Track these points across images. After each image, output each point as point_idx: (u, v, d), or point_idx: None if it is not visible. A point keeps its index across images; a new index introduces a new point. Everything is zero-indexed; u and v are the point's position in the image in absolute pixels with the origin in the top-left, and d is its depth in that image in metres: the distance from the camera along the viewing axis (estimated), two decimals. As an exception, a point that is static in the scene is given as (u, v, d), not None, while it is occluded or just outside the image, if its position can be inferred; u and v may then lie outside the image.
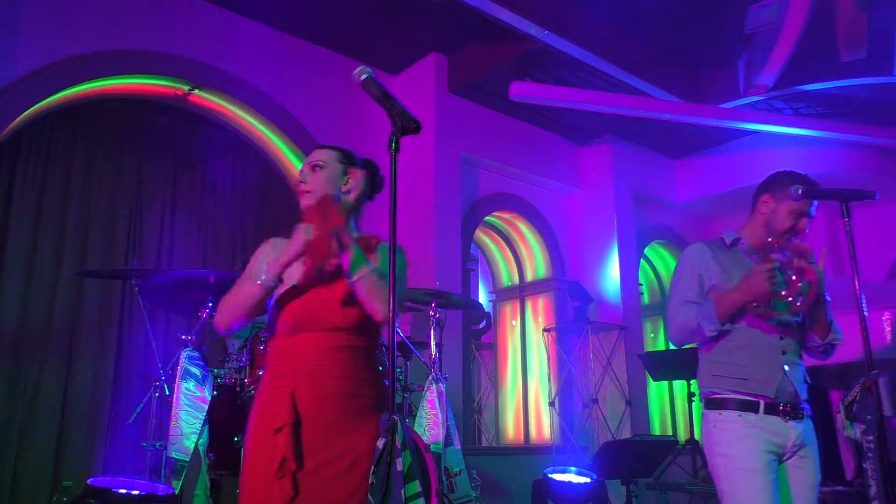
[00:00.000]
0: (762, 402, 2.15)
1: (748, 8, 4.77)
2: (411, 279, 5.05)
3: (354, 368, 1.80)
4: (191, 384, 2.99)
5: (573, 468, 4.44)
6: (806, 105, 6.05)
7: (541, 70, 5.59)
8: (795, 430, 2.15)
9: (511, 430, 6.59)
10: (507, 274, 7.03)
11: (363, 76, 1.75)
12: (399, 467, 1.44)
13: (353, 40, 5.40)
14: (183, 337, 3.18)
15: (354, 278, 1.76)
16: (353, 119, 5.41)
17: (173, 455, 2.90)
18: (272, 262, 1.80)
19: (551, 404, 6.19)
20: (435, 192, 5.44)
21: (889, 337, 4.66)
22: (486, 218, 6.39)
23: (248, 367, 3.15)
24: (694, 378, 2.41)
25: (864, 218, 6.41)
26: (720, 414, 2.20)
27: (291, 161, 5.35)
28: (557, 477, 4.37)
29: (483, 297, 7.29)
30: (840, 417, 2.12)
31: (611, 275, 6.59)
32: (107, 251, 5.01)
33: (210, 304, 3.18)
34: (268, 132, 5.26)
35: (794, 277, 2.14)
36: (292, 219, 1.93)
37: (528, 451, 6.16)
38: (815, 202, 2.30)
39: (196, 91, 4.92)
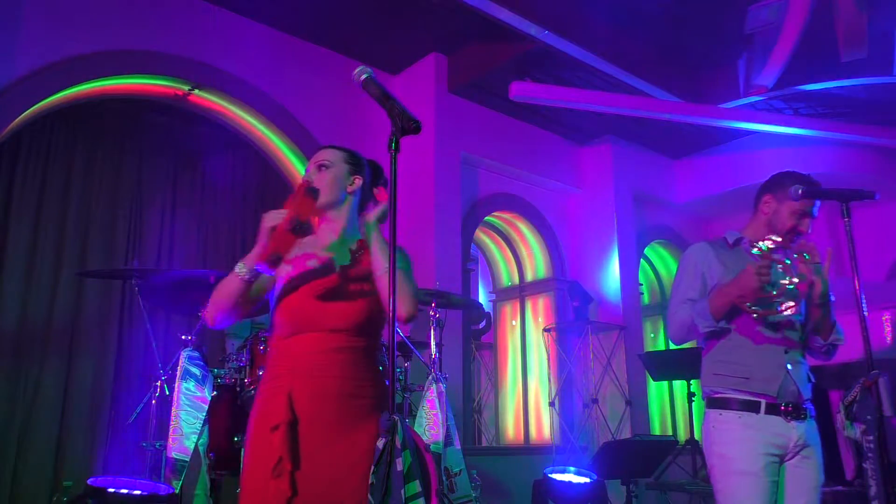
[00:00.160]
0: (764, 402, 2.15)
1: (748, 8, 4.77)
2: (411, 279, 5.05)
3: (354, 369, 1.79)
4: (191, 384, 2.99)
5: (572, 468, 4.44)
6: (806, 105, 6.05)
7: (541, 70, 5.59)
8: (797, 431, 2.15)
9: (511, 430, 6.59)
10: (507, 274, 7.03)
11: (363, 76, 1.75)
12: (399, 467, 1.44)
13: (353, 40, 5.40)
14: (183, 337, 3.18)
15: (380, 273, 1.77)
16: (353, 119, 5.41)
17: (173, 455, 2.90)
18: (248, 256, 1.79)
19: (551, 404, 6.19)
20: (435, 192, 5.44)
21: (889, 337, 4.66)
22: (486, 218, 6.39)
23: (248, 367, 3.15)
24: (694, 378, 2.42)
25: (864, 218, 6.41)
26: (720, 414, 2.20)
27: (291, 161, 5.35)
28: (558, 477, 4.37)
29: (483, 297, 7.29)
30: (840, 417, 2.12)
31: (611, 275, 6.59)
32: (107, 251, 5.01)
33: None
34: (268, 132, 5.26)
35: (784, 281, 2.14)
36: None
37: (528, 451, 6.16)
38: (818, 203, 2.30)
39: (196, 91, 4.92)
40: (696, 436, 5.48)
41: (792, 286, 2.13)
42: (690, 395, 5.45)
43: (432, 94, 5.59)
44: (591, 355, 6.17)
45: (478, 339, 7.11)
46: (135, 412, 3.39)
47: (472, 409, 6.39)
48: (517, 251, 6.91)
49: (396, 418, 1.48)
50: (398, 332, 3.79)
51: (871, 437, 2.03)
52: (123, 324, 5.00)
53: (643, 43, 5.33)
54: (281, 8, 5.01)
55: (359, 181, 1.97)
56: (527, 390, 6.56)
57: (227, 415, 3.10)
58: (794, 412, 2.15)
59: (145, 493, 2.74)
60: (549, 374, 6.35)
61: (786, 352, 2.20)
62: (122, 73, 4.54)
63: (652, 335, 7.80)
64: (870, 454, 2.03)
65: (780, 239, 2.21)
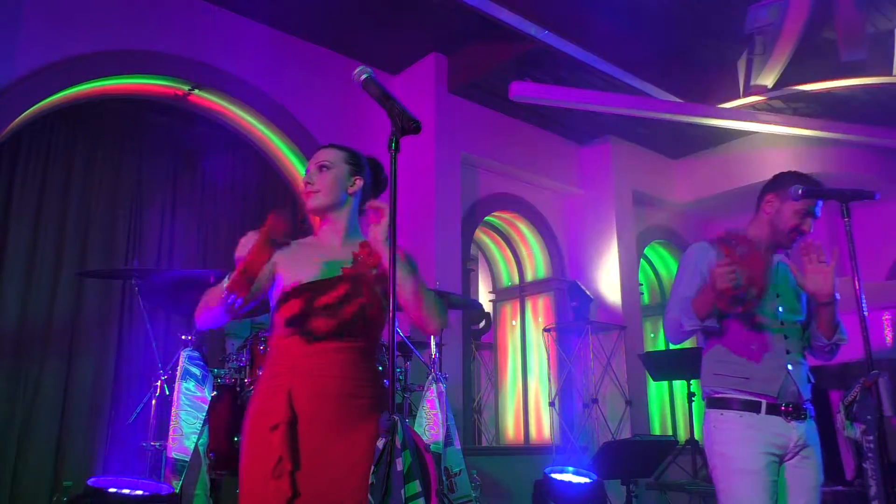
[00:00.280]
0: (764, 402, 2.15)
1: (748, 8, 4.77)
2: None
3: (353, 369, 1.79)
4: (191, 384, 2.99)
5: (570, 468, 4.43)
6: (806, 105, 6.05)
7: (541, 70, 5.59)
8: (797, 431, 2.15)
9: (511, 430, 6.59)
10: (507, 274, 7.03)
11: (363, 76, 1.75)
12: (399, 467, 1.44)
13: (353, 40, 5.40)
14: (183, 337, 3.18)
15: (409, 291, 1.78)
16: (353, 119, 5.41)
17: (173, 455, 2.90)
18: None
19: (551, 404, 6.19)
20: (435, 192, 5.44)
21: (889, 337, 4.66)
22: (486, 218, 6.39)
23: (248, 367, 3.15)
24: (694, 378, 2.42)
25: (864, 218, 6.41)
26: (721, 414, 2.20)
27: (291, 161, 5.35)
28: (558, 476, 4.36)
29: (483, 297, 7.29)
30: (840, 417, 2.12)
31: (611, 275, 6.59)
32: (107, 251, 5.01)
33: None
34: (268, 132, 5.26)
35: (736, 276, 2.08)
36: (293, 219, 1.93)
37: (528, 451, 6.16)
38: (821, 202, 2.30)
39: (196, 91, 4.93)
40: (697, 436, 5.48)
41: (739, 281, 2.06)
42: (690, 395, 5.45)
43: (432, 94, 5.59)
44: (591, 355, 6.17)
45: (478, 339, 7.11)
46: (135, 412, 3.39)
47: (472, 409, 6.39)
48: (517, 251, 6.91)
49: (396, 418, 1.48)
50: (398, 332, 3.79)
51: (871, 437, 2.03)
52: (123, 324, 5.00)
53: (643, 43, 5.33)
54: (281, 8, 5.01)
55: (359, 182, 1.95)
56: (527, 390, 6.56)
57: (227, 415, 3.10)
58: (795, 412, 2.16)
59: (145, 494, 2.74)
60: (549, 374, 6.35)
61: (787, 352, 2.21)
62: (122, 73, 4.54)
63: (652, 335, 7.80)
64: (870, 454, 2.03)
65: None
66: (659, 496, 5.53)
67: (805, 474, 2.16)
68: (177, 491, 2.79)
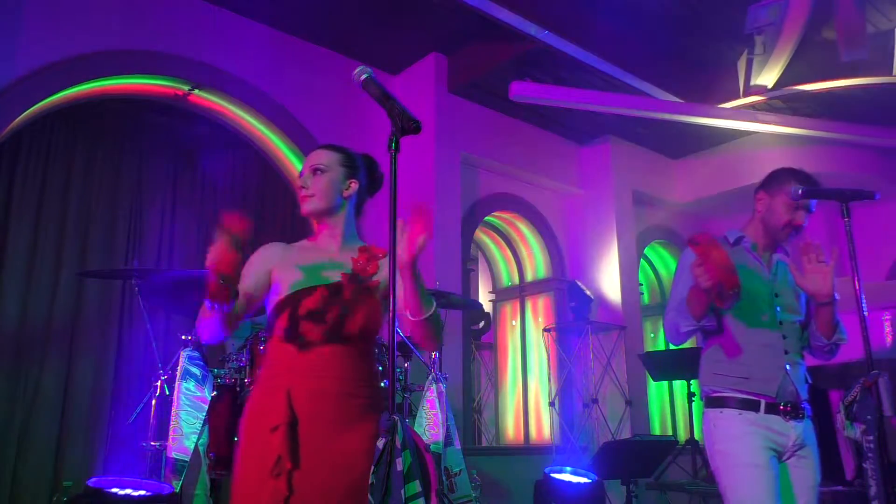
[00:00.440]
0: (763, 402, 2.15)
1: (748, 8, 4.77)
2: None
3: (351, 369, 1.79)
4: (191, 384, 2.99)
5: (568, 468, 4.43)
6: (806, 105, 6.05)
7: (541, 70, 5.59)
8: (795, 430, 2.15)
9: (511, 430, 6.59)
10: (507, 274, 7.03)
11: (363, 76, 1.74)
12: (399, 467, 1.44)
13: (353, 40, 5.40)
14: (183, 337, 3.18)
15: (425, 316, 1.75)
16: (352, 119, 5.41)
17: (173, 455, 2.90)
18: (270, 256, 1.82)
19: (551, 404, 6.19)
20: (435, 192, 5.44)
21: (889, 337, 4.66)
22: (486, 218, 6.39)
23: (248, 367, 3.15)
24: (694, 378, 2.41)
25: (864, 218, 6.41)
26: (721, 412, 2.20)
27: (291, 161, 5.35)
28: (559, 476, 4.36)
29: (483, 297, 7.30)
30: (840, 417, 2.12)
31: (611, 275, 6.59)
32: (107, 251, 5.00)
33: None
34: (268, 132, 5.26)
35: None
36: (293, 219, 1.93)
37: (528, 451, 6.16)
38: (796, 186, 2.29)
39: (196, 91, 4.92)
40: (697, 436, 5.48)
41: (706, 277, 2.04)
42: (690, 395, 5.45)
43: (432, 94, 5.59)
44: (591, 355, 6.17)
45: (478, 339, 7.11)
46: (135, 412, 3.39)
47: (472, 409, 6.39)
48: (517, 251, 6.91)
49: (396, 418, 1.48)
50: (398, 332, 3.79)
51: (871, 437, 2.03)
52: (123, 324, 5.00)
53: (643, 43, 5.34)
54: (281, 8, 5.01)
55: (355, 185, 1.94)
56: (527, 390, 6.56)
57: (227, 415, 3.10)
58: (793, 412, 2.16)
59: (145, 494, 2.74)
60: (549, 374, 6.35)
61: (785, 352, 2.21)
62: (122, 73, 4.54)
63: (652, 335, 7.80)
64: (870, 454, 2.03)
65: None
66: (659, 496, 5.53)
67: (803, 474, 2.16)
68: (177, 491, 2.79)
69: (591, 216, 6.83)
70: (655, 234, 7.50)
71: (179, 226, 5.39)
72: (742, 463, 2.12)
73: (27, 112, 4.22)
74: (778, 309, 2.24)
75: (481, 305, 5.54)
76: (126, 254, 5.06)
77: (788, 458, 2.17)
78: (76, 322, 4.79)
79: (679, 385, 7.02)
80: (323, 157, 1.93)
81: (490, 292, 7.16)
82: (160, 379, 3.30)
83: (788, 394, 2.16)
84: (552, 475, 4.35)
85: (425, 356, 4.03)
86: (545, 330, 6.43)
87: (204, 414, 2.97)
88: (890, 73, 5.17)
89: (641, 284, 7.51)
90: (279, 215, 5.60)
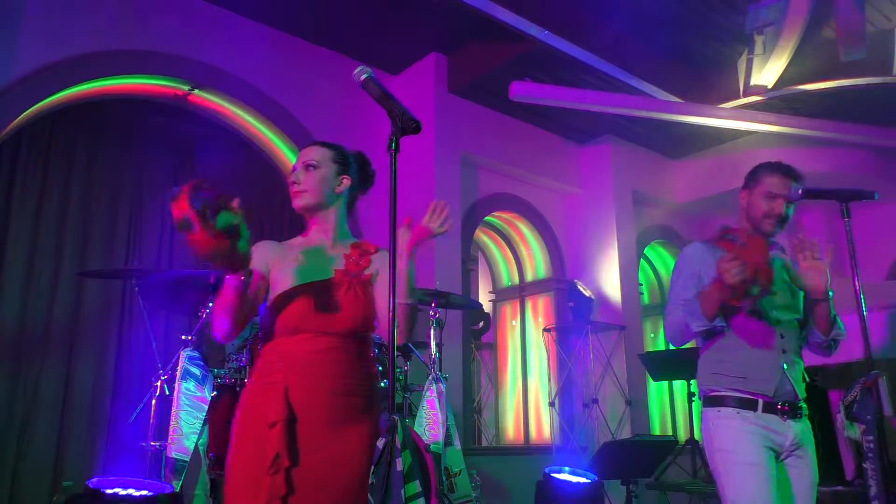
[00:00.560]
0: (761, 401, 2.15)
1: (748, 8, 4.77)
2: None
3: (348, 368, 1.79)
4: (191, 384, 2.99)
5: (566, 468, 4.43)
6: (806, 105, 6.05)
7: (541, 70, 5.59)
8: (793, 430, 2.15)
9: (511, 430, 6.59)
10: (507, 274, 7.03)
11: (363, 76, 1.75)
12: (399, 467, 1.44)
13: (353, 40, 5.40)
14: (183, 337, 3.18)
15: (404, 301, 1.77)
16: (353, 119, 5.41)
17: (173, 455, 2.90)
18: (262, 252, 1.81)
19: (551, 404, 6.19)
20: (435, 193, 5.44)
21: (889, 337, 4.66)
22: (486, 218, 6.39)
23: (248, 367, 3.15)
24: (694, 378, 2.41)
25: (864, 218, 6.41)
26: (719, 411, 2.20)
27: (291, 161, 5.35)
28: (560, 476, 4.36)
29: (483, 297, 7.30)
30: (840, 417, 2.12)
31: (611, 275, 6.59)
32: (107, 251, 5.01)
33: (210, 304, 3.18)
34: (268, 132, 5.26)
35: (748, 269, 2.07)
36: (293, 218, 1.92)
37: (528, 451, 6.16)
38: (795, 186, 2.29)
39: (196, 91, 4.92)
40: (697, 436, 5.48)
41: (755, 274, 2.05)
42: (690, 395, 5.45)
43: (432, 94, 5.59)
44: (591, 355, 6.17)
45: (478, 339, 7.11)
46: (135, 412, 3.39)
47: (472, 409, 6.39)
48: (517, 251, 6.91)
49: (396, 418, 1.48)
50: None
51: (871, 437, 2.03)
52: (123, 324, 5.00)
53: (643, 43, 5.34)
54: (281, 8, 5.01)
55: (347, 181, 1.95)
56: (527, 390, 6.56)
57: (227, 415, 3.09)
58: (791, 412, 2.15)
59: (145, 494, 2.74)
60: (549, 374, 6.35)
61: (783, 351, 2.20)
62: (122, 73, 4.54)
63: (652, 335, 7.80)
64: (870, 454, 2.03)
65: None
66: (659, 496, 5.53)
67: (801, 474, 2.16)
68: (177, 491, 2.79)
69: (590, 216, 6.83)
70: (655, 233, 7.50)
71: (179, 226, 5.38)
72: (740, 461, 2.11)
73: (27, 112, 4.22)
74: (775, 307, 2.23)
75: (481, 305, 5.54)
76: (126, 254, 5.06)
77: (786, 458, 2.17)
78: (76, 322, 4.79)
79: (679, 385, 7.02)
80: (315, 153, 1.94)
81: (490, 292, 7.16)
82: (160, 379, 3.30)
83: (786, 393, 2.16)
84: (553, 475, 4.35)
85: (425, 356, 4.03)
86: (545, 330, 6.43)
87: (204, 414, 2.97)
88: (890, 73, 5.17)
89: (641, 284, 7.51)
90: (280, 215, 5.61)
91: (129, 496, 2.72)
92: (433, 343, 3.99)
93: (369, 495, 1.45)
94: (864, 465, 2.05)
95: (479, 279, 7.55)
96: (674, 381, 6.96)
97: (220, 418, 3.07)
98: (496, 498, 5.11)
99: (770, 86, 5.38)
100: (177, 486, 2.82)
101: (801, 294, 2.23)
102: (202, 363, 3.06)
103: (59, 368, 4.65)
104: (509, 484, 5.27)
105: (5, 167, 4.69)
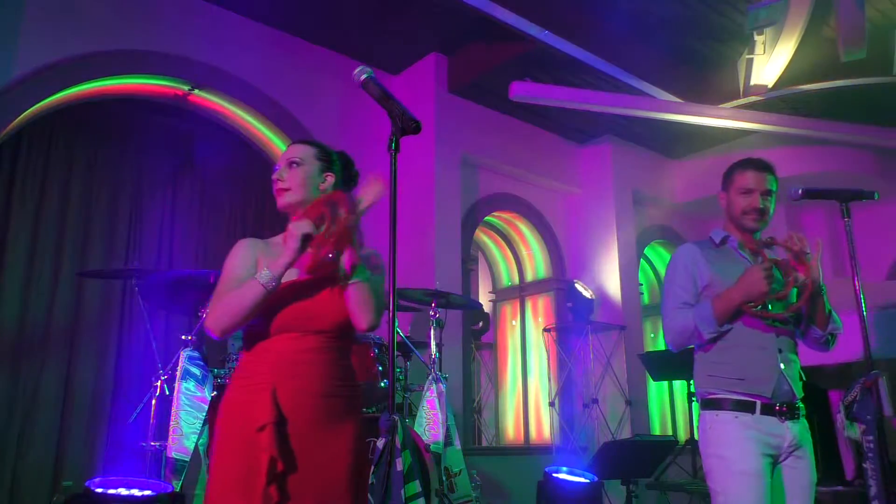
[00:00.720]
0: (759, 403, 2.14)
1: (748, 8, 4.77)
2: (412, 279, 5.05)
3: (334, 368, 1.79)
4: (191, 384, 2.99)
5: (564, 468, 4.43)
6: (806, 105, 6.05)
7: (541, 70, 5.59)
8: (791, 431, 2.14)
9: (511, 430, 6.59)
10: (507, 274, 7.03)
11: (363, 76, 1.75)
12: (399, 467, 1.44)
13: (354, 40, 5.40)
14: (183, 337, 3.18)
15: (351, 283, 1.76)
16: (353, 119, 5.41)
17: (173, 455, 2.90)
18: (273, 263, 1.73)
19: (551, 404, 6.19)
20: (435, 192, 5.44)
21: (889, 337, 4.66)
22: (486, 218, 6.39)
23: (248, 367, 3.14)
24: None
25: (864, 218, 6.41)
26: (717, 415, 2.19)
27: (291, 161, 5.34)
28: (561, 476, 4.37)
29: (483, 297, 7.30)
30: (840, 417, 2.12)
31: (611, 275, 6.59)
32: (107, 251, 5.01)
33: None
34: (268, 132, 5.26)
35: (788, 276, 2.12)
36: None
37: (528, 451, 6.16)
38: (770, 176, 2.30)
39: (196, 91, 4.92)
40: (696, 436, 5.48)
41: (801, 281, 2.12)
42: (690, 395, 5.45)
43: (432, 94, 5.59)
44: (591, 355, 6.17)
45: (478, 339, 7.11)
46: (135, 412, 3.39)
47: (472, 409, 6.39)
48: (517, 251, 6.91)
49: (396, 418, 1.48)
50: (398, 332, 3.79)
51: (871, 437, 2.03)
52: (123, 324, 5.00)
53: (643, 43, 5.34)
54: (281, 8, 5.01)
55: (330, 179, 1.93)
56: (527, 390, 6.56)
57: (227, 415, 3.09)
58: (789, 412, 2.15)
59: (145, 494, 2.74)
60: (549, 374, 6.35)
61: (779, 351, 2.19)
62: (122, 73, 4.54)
63: (652, 335, 7.80)
64: (870, 454, 2.03)
65: (769, 238, 2.20)
66: (659, 496, 5.53)
67: (800, 475, 2.15)
68: (177, 491, 2.79)
69: (590, 216, 6.83)
70: (655, 233, 7.50)
71: (179, 226, 5.39)
72: (736, 470, 2.10)
73: (27, 112, 4.22)
74: (769, 307, 2.22)
75: (481, 305, 5.54)
76: (126, 254, 5.06)
77: (785, 460, 2.15)
78: (76, 322, 4.79)
79: (679, 385, 7.02)
80: (299, 151, 1.93)
81: (490, 292, 7.16)
82: (160, 379, 3.30)
83: (784, 393, 2.15)
84: (554, 475, 4.35)
85: (425, 356, 4.03)
86: (545, 330, 6.43)
87: (204, 414, 2.97)
88: (890, 73, 5.17)
89: (641, 284, 7.51)
90: (279, 215, 5.59)
91: (129, 496, 2.72)
92: (433, 343, 3.99)
93: (369, 495, 1.45)
94: (864, 465, 2.05)
95: (479, 279, 7.55)
96: (674, 381, 6.96)
97: (220, 418, 3.07)
98: (496, 498, 5.11)
99: (770, 86, 5.38)
100: (177, 486, 2.82)
101: (794, 291, 2.21)
102: (202, 363, 3.06)
103: (59, 368, 4.65)
104: (509, 484, 5.27)
105: (5, 167, 4.69)
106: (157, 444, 3.16)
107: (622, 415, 6.17)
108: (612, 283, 6.57)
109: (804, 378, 2.24)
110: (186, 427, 2.93)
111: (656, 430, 7.08)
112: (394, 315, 1.54)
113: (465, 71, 5.65)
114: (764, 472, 2.10)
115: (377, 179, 1.79)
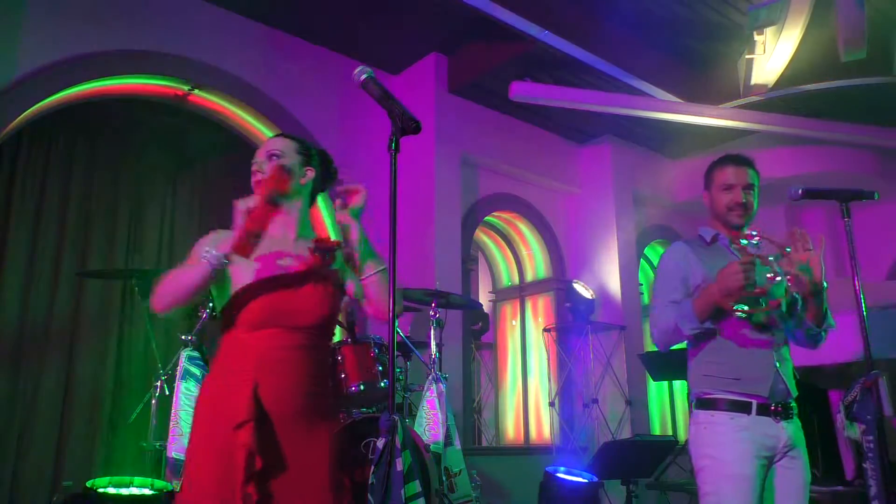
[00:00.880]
0: (755, 403, 2.12)
1: (748, 8, 4.77)
2: (412, 279, 5.05)
3: (316, 366, 1.78)
4: (191, 384, 2.99)
5: (562, 468, 4.43)
6: (806, 105, 6.05)
7: (541, 70, 5.59)
8: (786, 431, 2.12)
9: (511, 430, 6.59)
10: (507, 274, 7.03)
11: (363, 76, 1.75)
12: (399, 467, 1.44)
13: (353, 40, 5.40)
14: (183, 337, 3.18)
15: (368, 274, 1.80)
16: (352, 119, 5.41)
17: (173, 455, 2.90)
18: (221, 242, 1.78)
19: (551, 404, 6.19)
20: (435, 192, 5.44)
21: (889, 337, 4.66)
22: (486, 218, 6.39)
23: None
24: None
25: (864, 218, 6.41)
26: (712, 415, 2.17)
27: (291, 161, 5.35)
28: (562, 476, 4.37)
29: (483, 297, 7.30)
30: (840, 417, 2.12)
31: (611, 275, 6.59)
32: (107, 251, 5.01)
33: (210, 304, 3.18)
34: (267, 132, 5.26)
35: (769, 275, 2.07)
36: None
37: (528, 451, 6.16)
38: (750, 170, 2.29)
39: (196, 91, 4.92)
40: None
41: (779, 282, 2.07)
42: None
43: (432, 94, 5.59)
44: (591, 355, 6.17)
45: (478, 339, 7.11)
46: (135, 412, 3.39)
47: (472, 409, 6.39)
48: (517, 251, 6.91)
49: (396, 418, 1.48)
50: (398, 332, 3.79)
51: (871, 437, 2.03)
52: (123, 324, 5.01)
53: (643, 43, 5.34)
54: (281, 8, 5.01)
55: (311, 173, 1.93)
56: (527, 390, 6.56)
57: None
58: (784, 412, 2.13)
59: (145, 494, 2.74)
60: (549, 374, 6.35)
61: (774, 350, 2.18)
62: (122, 73, 4.54)
63: (652, 335, 7.79)
64: (870, 454, 2.03)
65: (755, 233, 2.17)
66: (659, 496, 5.53)
67: (794, 475, 2.13)
68: (177, 491, 2.78)
69: (590, 216, 6.83)
70: (655, 233, 7.50)
71: (179, 226, 5.39)
72: (730, 473, 2.09)
73: (27, 112, 4.22)
74: (764, 305, 2.21)
75: (481, 305, 5.54)
76: (126, 254, 5.06)
77: (780, 460, 2.13)
78: (76, 322, 4.79)
79: (679, 385, 7.02)
80: (279, 144, 1.95)
81: (490, 292, 7.16)
82: (160, 379, 3.30)
83: (779, 392, 2.14)
84: (556, 475, 4.35)
85: (425, 356, 4.03)
86: (545, 330, 6.43)
87: (204, 414, 2.96)
88: (890, 73, 5.17)
89: (641, 284, 7.51)
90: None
91: (129, 496, 2.72)
92: (433, 343, 3.98)
93: (369, 495, 1.44)
94: (864, 465, 2.05)
95: (479, 279, 7.55)
96: (674, 381, 6.95)
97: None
98: (496, 498, 5.11)
99: (770, 86, 5.37)
100: (177, 486, 2.82)
101: (784, 287, 2.18)
102: (202, 363, 3.07)
103: (59, 368, 4.65)
104: (509, 484, 5.27)
105: (5, 167, 4.70)
106: (158, 444, 3.16)
107: (622, 415, 6.17)
108: (612, 282, 6.57)
109: (797, 376, 2.23)
110: (186, 427, 2.93)
111: (656, 431, 7.08)
112: (393, 315, 1.54)
113: (465, 71, 5.65)
114: (757, 476, 2.08)
115: (357, 187, 1.86)
